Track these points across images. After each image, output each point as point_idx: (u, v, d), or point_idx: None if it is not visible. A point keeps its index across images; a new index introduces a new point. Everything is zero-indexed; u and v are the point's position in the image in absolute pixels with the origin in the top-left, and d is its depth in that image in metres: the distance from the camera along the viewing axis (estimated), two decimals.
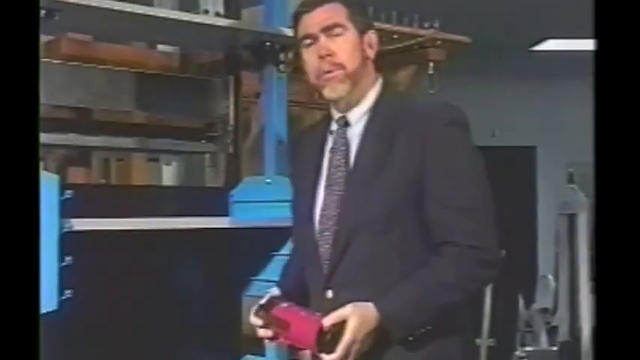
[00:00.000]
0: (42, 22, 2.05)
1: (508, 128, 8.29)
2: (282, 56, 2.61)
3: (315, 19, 1.80)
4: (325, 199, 1.81)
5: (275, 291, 1.89)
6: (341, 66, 1.79)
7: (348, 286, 1.76)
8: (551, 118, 8.19)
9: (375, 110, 1.82)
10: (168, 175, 3.28)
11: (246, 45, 2.61)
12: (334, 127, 1.85)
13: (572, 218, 4.66)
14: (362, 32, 1.82)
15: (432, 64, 3.26)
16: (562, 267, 4.77)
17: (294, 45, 2.05)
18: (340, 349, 1.65)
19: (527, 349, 4.96)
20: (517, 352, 4.82)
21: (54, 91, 2.48)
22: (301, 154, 1.94)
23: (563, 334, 4.69)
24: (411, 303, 1.70)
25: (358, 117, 1.83)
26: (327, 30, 1.79)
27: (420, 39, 3.24)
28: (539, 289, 5.54)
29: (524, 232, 7.78)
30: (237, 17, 2.70)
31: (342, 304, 1.69)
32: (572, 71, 6.46)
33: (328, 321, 1.66)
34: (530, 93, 8.20)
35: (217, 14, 2.63)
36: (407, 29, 3.26)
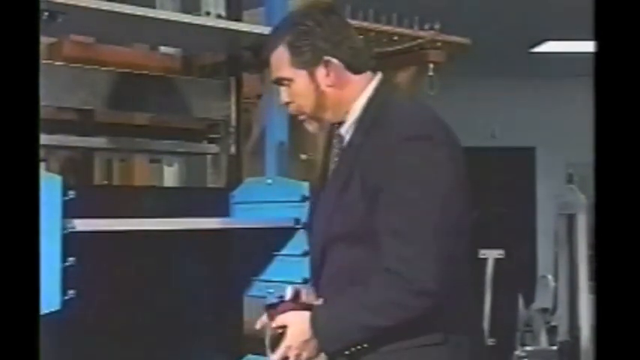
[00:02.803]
0: (44, 24, 2.07)
1: (508, 129, 8.30)
2: None
3: (270, 70, 1.85)
4: None
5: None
6: (300, 111, 1.83)
7: (330, 295, 1.79)
8: (551, 119, 8.20)
9: (359, 121, 1.80)
10: (170, 176, 3.30)
11: (247, 46, 2.62)
12: (335, 138, 1.88)
13: (571, 218, 4.68)
14: (313, 67, 1.79)
15: (432, 66, 3.27)
16: (561, 267, 4.78)
17: None
18: (278, 351, 1.76)
19: (527, 348, 4.97)
20: (517, 352, 4.84)
21: (56, 92, 2.49)
22: (322, 161, 1.99)
23: (562, 333, 4.71)
24: (337, 320, 1.72)
25: (347, 129, 1.83)
26: (279, 81, 1.83)
27: (420, 40, 3.25)
28: (538, 289, 5.55)
29: (524, 233, 7.81)
30: (239, 19, 2.71)
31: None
32: (571, 72, 6.48)
33: (274, 324, 1.77)
34: (529, 94, 8.21)
35: (219, 16, 2.63)
36: (407, 31, 3.27)
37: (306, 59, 1.78)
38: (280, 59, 1.80)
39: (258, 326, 1.87)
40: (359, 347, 1.71)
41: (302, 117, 1.85)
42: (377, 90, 1.82)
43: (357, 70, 1.81)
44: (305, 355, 1.75)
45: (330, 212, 1.77)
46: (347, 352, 1.72)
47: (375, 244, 1.69)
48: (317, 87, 1.79)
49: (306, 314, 1.74)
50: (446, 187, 1.67)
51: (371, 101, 1.80)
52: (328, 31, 1.79)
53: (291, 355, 1.75)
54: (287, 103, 1.85)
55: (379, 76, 1.85)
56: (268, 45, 1.84)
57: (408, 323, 1.67)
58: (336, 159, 1.85)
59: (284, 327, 1.77)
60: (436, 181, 1.67)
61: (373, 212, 1.68)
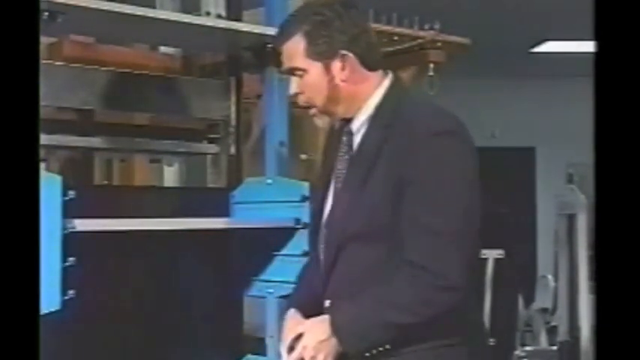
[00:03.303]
0: (44, 24, 2.06)
1: (508, 129, 8.31)
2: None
3: (282, 58, 1.80)
4: (332, 207, 1.82)
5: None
6: (310, 103, 1.79)
7: (341, 296, 1.76)
8: (551, 119, 8.21)
9: (374, 118, 1.77)
10: (170, 176, 3.30)
11: (247, 47, 2.62)
12: (343, 135, 1.83)
13: (571, 218, 4.68)
14: (329, 59, 1.75)
15: (432, 66, 3.27)
16: (561, 267, 4.78)
17: None
18: (294, 352, 1.73)
19: (527, 348, 4.98)
20: (517, 352, 4.85)
21: (56, 92, 2.49)
22: (323, 160, 1.93)
23: (562, 333, 4.71)
24: (360, 318, 1.69)
25: (358, 126, 1.80)
26: (291, 71, 1.79)
27: (420, 40, 3.25)
28: (538, 289, 5.56)
29: (524, 232, 7.81)
30: (239, 19, 2.71)
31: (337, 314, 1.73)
32: (572, 72, 6.49)
33: (291, 335, 1.76)
34: (529, 94, 8.22)
35: (219, 16, 2.63)
36: (407, 31, 3.27)
37: (323, 50, 1.75)
38: (295, 49, 1.76)
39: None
40: (380, 349, 1.68)
41: (312, 110, 1.81)
42: (391, 88, 1.80)
43: (371, 67, 1.79)
44: (321, 356, 1.70)
45: (348, 210, 1.74)
46: (368, 355, 1.69)
47: (397, 242, 1.68)
48: (331, 80, 1.76)
49: (324, 317, 1.72)
50: (471, 182, 1.68)
51: (385, 99, 1.78)
52: (347, 24, 1.75)
53: (307, 356, 1.71)
54: (297, 94, 1.81)
55: (391, 75, 1.82)
56: (283, 33, 1.80)
57: (431, 320, 1.66)
58: (346, 157, 1.81)
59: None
60: (463, 176, 1.68)
61: (398, 208, 1.67)
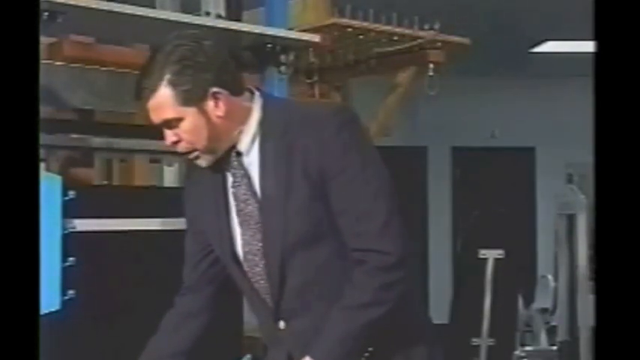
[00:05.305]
0: (45, 24, 2.07)
1: (508, 129, 8.32)
2: (282, 58, 2.62)
3: (150, 114, 1.72)
4: (244, 235, 1.77)
5: None
6: (192, 148, 1.73)
7: (298, 312, 1.75)
8: (551, 119, 8.22)
9: (262, 130, 1.74)
10: (170, 176, 3.29)
11: (247, 47, 2.63)
12: (229, 161, 1.77)
13: (571, 218, 4.68)
14: (201, 101, 1.68)
15: (432, 66, 3.27)
16: (561, 267, 4.79)
17: (294, 47, 2.02)
18: None
19: (527, 348, 4.99)
20: (517, 352, 4.85)
21: (56, 92, 2.49)
22: (200, 197, 1.86)
23: (562, 333, 4.72)
24: (340, 338, 1.68)
25: (248, 144, 1.75)
26: (165, 124, 1.71)
27: (420, 40, 3.26)
28: (538, 289, 5.57)
29: (524, 233, 7.81)
30: (239, 19, 2.71)
31: (295, 332, 1.75)
32: (571, 72, 6.50)
33: None
34: (529, 94, 8.23)
35: (219, 16, 2.64)
36: (407, 31, 3.27)
37: (193, 95, 1.67)
38: (163, 101, 1.68)
39: None
40: (366, 354, 1.70)
41: (192, 155, 1.74)
42: (265, 101, 1.77)
43: (239, 92, 1.75)
44: None
45: (282, 221, 1.71)
46: None
47: (338, 236, 1.70)
48: (208, 120, 1.70)
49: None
50: (380, 159, 1.73)
51: (266, 112, 1.75)
52: (208, 60, 1.69)
53: None
54: (175, 143, 1.72)
55: (255, 90, 1.79)
56: (144, 89, 1.69)
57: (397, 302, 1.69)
58: (245, 180, 1.75)
59: None
60: (376, 156, 1.73)
61: (329, 205, 1.69)
